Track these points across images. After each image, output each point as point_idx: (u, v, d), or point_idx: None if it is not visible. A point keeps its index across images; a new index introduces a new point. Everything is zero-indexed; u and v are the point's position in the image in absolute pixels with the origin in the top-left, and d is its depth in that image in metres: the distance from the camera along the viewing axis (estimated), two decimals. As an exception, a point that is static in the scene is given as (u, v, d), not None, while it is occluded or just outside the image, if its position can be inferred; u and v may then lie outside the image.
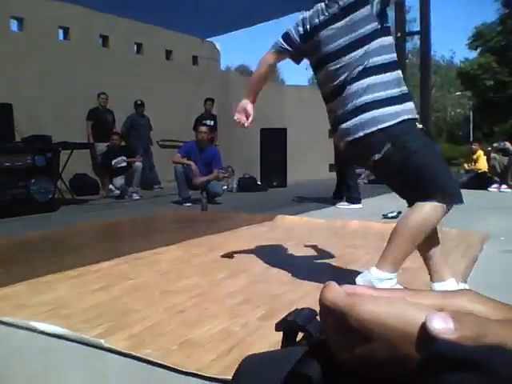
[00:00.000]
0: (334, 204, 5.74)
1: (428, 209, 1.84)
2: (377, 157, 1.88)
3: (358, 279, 1.96)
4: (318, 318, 0.44)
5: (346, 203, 5.65)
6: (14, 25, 7.65)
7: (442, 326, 0.30)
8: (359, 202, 5.66)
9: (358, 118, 1.89)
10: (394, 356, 0.32)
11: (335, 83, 1.96)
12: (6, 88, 6.64)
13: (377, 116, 1.86)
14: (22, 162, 5.20)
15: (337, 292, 0.36)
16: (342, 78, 1.93)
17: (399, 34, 9.32)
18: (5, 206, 4.91)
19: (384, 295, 0.37)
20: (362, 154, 1.97)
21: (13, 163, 5.10)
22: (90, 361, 1.43)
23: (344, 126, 1.94)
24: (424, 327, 0.31)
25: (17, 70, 7.13)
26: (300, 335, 0.45)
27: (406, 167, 1.87)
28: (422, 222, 1.85)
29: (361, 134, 1.88)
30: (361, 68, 1.90)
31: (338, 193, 6.15)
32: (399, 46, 8.35)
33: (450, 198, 1.87)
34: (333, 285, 0.37)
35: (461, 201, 1.89)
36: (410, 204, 1.94)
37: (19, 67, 7.20)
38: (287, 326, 0.44)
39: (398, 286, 1.94)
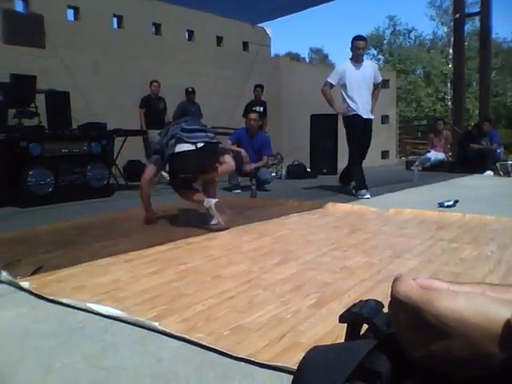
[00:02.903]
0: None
1: None
2: None
3: None
4: (383, 310, 0.42)
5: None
6: (70, 14, 7.89)
7: None
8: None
9: None
10: (474, 353, 0.30)
11: None
12: (64, 76, 6.88)
13: None
14: (78, 149, 5.38)
15: (411, 286, 0.34)
16: None
17: (458, 15, 8.93)
18: (63, 192, 5.11)
19: (463, 290, 0.34)
20: None
21: (70, 150, 5.29)
22: (145, 343, 1.47)
23: None
24: (508, 324, 0.29)
25: (74, 58, 7.37)
26: (363, 327, 0.43)
27: None
28: None
29: None
30: None
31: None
32: (457, 27, 8.01)
33: None
34: (406, 278, 0.35)
35: None
36: None
37: (76, 56, 7.44)
38: (352, 318, 0.42)
39: None
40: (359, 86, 5.28)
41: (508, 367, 0.29)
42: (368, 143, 5.55)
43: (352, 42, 5.35)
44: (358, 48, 5.28)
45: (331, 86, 5.45)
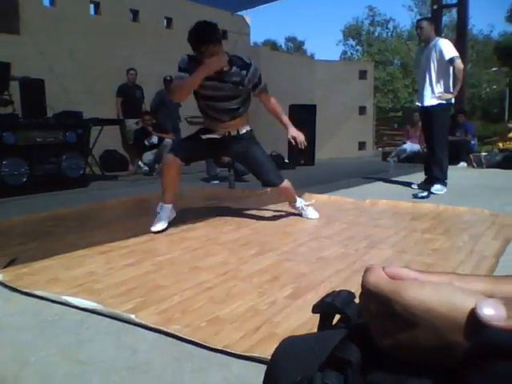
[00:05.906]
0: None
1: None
2: None
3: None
4: (355, 300, 0.43)
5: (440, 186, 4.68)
6: (46, 0, 7.72)
7: (492, 312, 0.29)
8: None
9: None
10: (440, 342, 0.31)
11: None
12: (40, 63, 6.73)
13: None
14: (53, 138, 5.29)
15: (380, 276, 0.35)
16: None
17: (435, 7, 9.01)
18: (37, 182, 5.02)
19: (430, 279, 0.35)
20: None
21: (44, 139, 5.20)
22: (121, 335, 1.47)
23: None
24: (473, 314, 0.30)
25: (49, 45, 7.21)
26: (336, 318, 0.44)
27: None
28: None
29: None
30: None
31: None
32: (435, 18, 8.07)
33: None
34: (376, 268, 0.36)
35: None
36: None
37: (51, 42, 7.28)
38: (325, 308, 0.43)
39: None
40: (423, 69, 4.68)
41: (472, 356, 0.30)
42: (429, 134, 4.72)
43: None
44: (416, 29, 4.79)
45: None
